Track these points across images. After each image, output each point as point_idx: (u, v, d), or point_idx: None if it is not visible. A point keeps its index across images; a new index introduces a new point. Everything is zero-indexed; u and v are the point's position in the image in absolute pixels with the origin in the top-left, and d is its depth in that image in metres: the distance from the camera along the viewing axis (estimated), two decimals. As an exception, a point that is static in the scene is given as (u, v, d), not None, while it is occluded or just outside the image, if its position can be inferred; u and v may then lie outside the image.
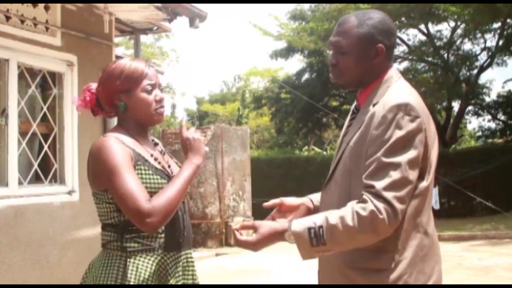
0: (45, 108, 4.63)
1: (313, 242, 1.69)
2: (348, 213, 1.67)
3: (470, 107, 19.25)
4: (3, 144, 4.21)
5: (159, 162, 2.03)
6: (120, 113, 2.07)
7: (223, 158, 11.42)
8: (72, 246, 4.65)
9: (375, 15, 1.89)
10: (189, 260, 2.06)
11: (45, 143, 4.61)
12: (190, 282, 2.05)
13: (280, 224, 1.80)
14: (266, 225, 1.80)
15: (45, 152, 4.61)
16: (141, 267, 1.91)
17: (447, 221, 12.62)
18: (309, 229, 1.69)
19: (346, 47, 1.87)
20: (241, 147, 12.13)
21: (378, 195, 1.65)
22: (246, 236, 1.85)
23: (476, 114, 19.79)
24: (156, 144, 2.17)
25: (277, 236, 1.77)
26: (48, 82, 4.68)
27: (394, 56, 1.96)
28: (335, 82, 1.94)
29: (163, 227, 1.92)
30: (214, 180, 11.25)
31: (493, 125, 19.70)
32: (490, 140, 19.94)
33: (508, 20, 15.24)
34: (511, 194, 14.10)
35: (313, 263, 1.98)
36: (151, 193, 1.89)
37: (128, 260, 1.91)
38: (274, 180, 16.17)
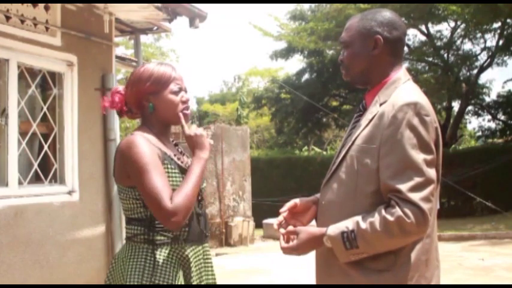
0: (45, 108, 4.63)
1: (346, 245, 1.73)
2: (377, 218, 1.71)
3: (470, 107, 19.25)
4: (3, 144, 4.21)
5: (182, 162, 2.15)
6: (146, 114, 2.18)
7: (223, 158, 11.42)
8: (72, 246, 4.65)
9: (378, 11, 1.93)
10: (207, 253, 2.21)
11: (45, 143, 4.60)
12: (210, 275, 2.21)
13: (318, 229, 1.84)
14: (305, 231, 1.84)
15: (45, 152, 4.61)
16: (168, 258, 2.04)
17: (447, 221, 12.61)
18: (342, 233, 1.74)
19: (348, 40, 1.92)
20: (241, 147, 12.13)
21: (405, 199, 1.68)
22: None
23: (476, 114, 19.79)
24: (176, 145, 2.30)
25: (316, 240, 1.81)
26: (48, 82, 4.68)
27: (401, 52, 1.94)
28: (345, 79, 1.98)
29: (187, 221, 2.04)
30: (214, 180, 11.24)
31: (493, 125, 19.70)
32: (490, 140, 19.93)
33: (508, 20, 15.23)
34: (511, 194, 14.10)
35: (314, 263, 1.98)
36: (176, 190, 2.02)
37: (155, 251, 2.03)
38: (274, 180, 16.17)
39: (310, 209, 2.00)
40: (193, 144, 2.08)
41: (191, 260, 2.09)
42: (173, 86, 2.14)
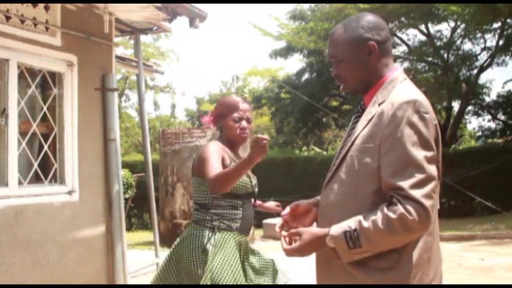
0: (45, 108, 4.62)
1: (349, 244, 1.73)
2: (379, 216, 1.70)
3: (470, 107, 19.23)
4: (3, 144, 4.21)
5: None
6: (220, 131, 3.02)
7: (223, 158, 11.40)
8: (72, 246, 4.65)
9: (359, 17, 1.92)
10: (248, 242, 2.99)
11: (45, 143, 4.60)
12: (253, 258, 2.99)
13: (321, 229, 1.83)
14: (308, 232, 1.84)
15: (45, 152, 4.61)
16: (226, 238, 2.80)
17: (447, 221, 12.60)
18: (345, 233, 1.74)
19: (340, 55, 1.91)
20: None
21: (406, 197, 1.68)
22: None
23: (476, 114, 19.77)
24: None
25: (319, 241, 1.81)
26: (48, 82, 4.68)
27: (391, 50, 1.95)
28: (344, 91, 1.99)
29: (240, 215, 2.87)
30: (214, 180, 11.22)
31: (493, 125, 19.68)
32: (490, 140, 19.92)
33: (508, 20, 15.23)
34: (511, 194, 14.09)
35: (314, 263, 1.97)
36: (239, 187, 2.84)
37: (216, 233, 2.80)
38: (274, 180, 16.14)
39: (312, 211, 2.00)
40: (253, 145, 2.50)
41: (241, 244, 2.86)
42: (235, 115, 2.93)
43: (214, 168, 2.67)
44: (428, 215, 1.69)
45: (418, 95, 1.81)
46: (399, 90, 1.83)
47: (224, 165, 2.79)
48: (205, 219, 2.84)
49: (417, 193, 1.68)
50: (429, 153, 1.73)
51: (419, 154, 1.71)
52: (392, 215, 1.68)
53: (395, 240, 1.72)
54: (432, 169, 1.73)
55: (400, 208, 1.68)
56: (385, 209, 1.70)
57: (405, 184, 1.69)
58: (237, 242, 2.85)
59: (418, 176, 1.69)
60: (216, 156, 2.76)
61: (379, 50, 1.87)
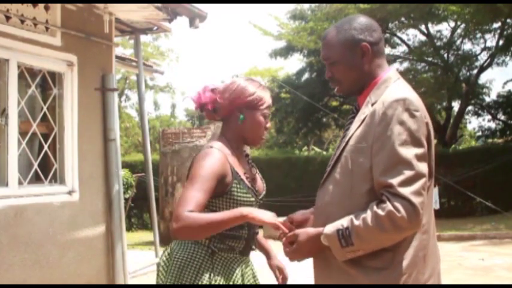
0: (45, 108, 4.63)
1: (342, 243, 1.74)
2: (368, 214, 1.71)
3: (470, 107, 19.25)
4: (3, 144, 4.21)
5: (248, 177, 2.29)
6: (231, 123, 2.31)
7: (223, 158, 11.40)
8: (72, 246, 4.65)
9: (351, 19, 1.94)
10: (250, 263, 2.42)
11: (45, 143, 4.60)
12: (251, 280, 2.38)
13: (316, 229, 1.85)
14: (304, 232, 1.86)
15: (45, 152, 4.61)
16: (228, 264, 2.23)
17: (447, 221, 12.61)
18: (338, 231, 1.75)
19: (333, 57, 1.92)
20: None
21: (395, 194, 1.69)
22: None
23: (476, 114, 19.79)
24: (247, 156, 2.43)
25: (315, 240, 1.82)
26: (48, 82, 4.68)
27: (384, 50, 1.96)
28: (339, 93, 1.99)
29: (246, 236, 2.27)
30: (214, 180, 11.23)
31: (493, 125, 19.71)
32: (490, 140, 19.93)
33: (508, 20, 15.24)
34: (511, 194, 14.09)
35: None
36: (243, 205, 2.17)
37: (215, 255, 2.20)
38: (274, 180, 16.11)
39: (309, 221, 2.02)
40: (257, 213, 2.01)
41: (243, 268, 2.30)
42: (266, 111, 2.30)
43: (192, 199, 2.02)
44: (417, 213, 1.69)
45: (409, 93, 1.81)
46: (391, 90, 1.85)
47: (225, 184, 2.16)
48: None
49: (406, 190, 1.68)
50: (419, 151, 1.74)
51: (409, 152, 1.72)
52: (381, 212, 1.69)
53: (385, 238, 1.72)
54: (422, 166, 1.73)
55: (388, 205, 1.69)
56: (375, 207, 1.71)
57: (394, 181, 1.69)
58: (240, 267, 2.29)
59: (407, 173, 1.70)
60: (208, 178, 2.08)
61: (372, 51, 1.88)
